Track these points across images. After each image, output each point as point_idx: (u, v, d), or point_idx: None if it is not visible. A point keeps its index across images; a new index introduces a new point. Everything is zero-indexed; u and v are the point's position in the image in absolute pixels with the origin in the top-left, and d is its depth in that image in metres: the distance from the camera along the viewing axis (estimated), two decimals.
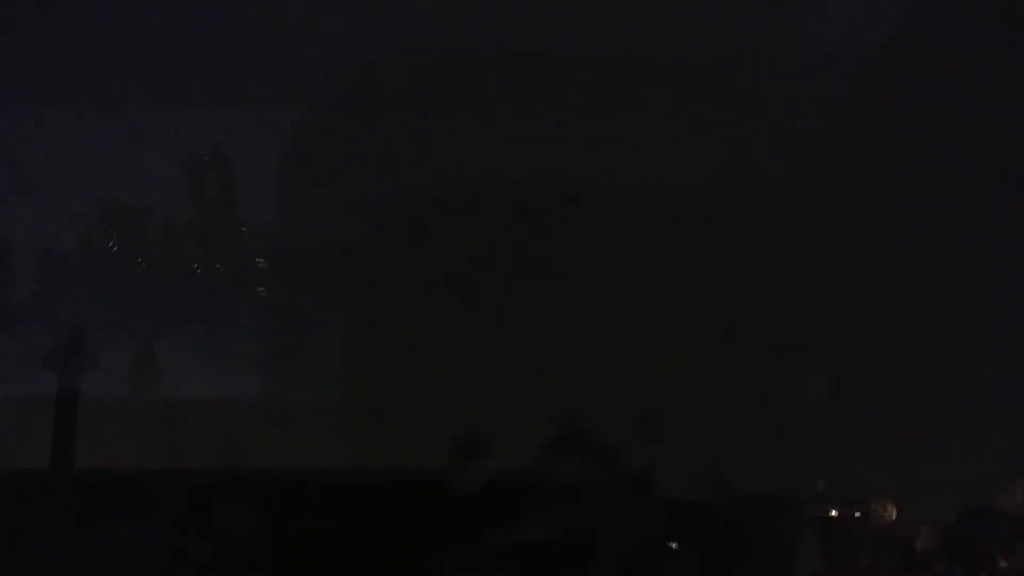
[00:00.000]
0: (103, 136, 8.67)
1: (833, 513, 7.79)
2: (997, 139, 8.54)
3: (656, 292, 8.59)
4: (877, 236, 8.54)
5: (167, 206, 8.79)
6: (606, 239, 8.73)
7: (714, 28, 8.88)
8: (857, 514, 7.77)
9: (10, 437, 8.23)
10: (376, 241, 8.85)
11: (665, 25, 8.86)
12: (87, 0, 8.80)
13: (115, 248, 8.64)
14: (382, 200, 8.93)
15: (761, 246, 8.60)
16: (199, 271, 8.75)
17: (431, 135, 8.89)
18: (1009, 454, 8.12)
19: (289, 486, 7.96)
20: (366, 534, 7.81)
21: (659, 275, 8.62)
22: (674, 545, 7.52)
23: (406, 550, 7.68)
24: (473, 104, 8.95)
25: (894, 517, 7.68)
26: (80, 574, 7.65)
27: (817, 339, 8.42)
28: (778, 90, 8.77)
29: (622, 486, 7.67)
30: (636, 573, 7.57)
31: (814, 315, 8.41)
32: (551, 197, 8.73)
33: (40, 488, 7.91)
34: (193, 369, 8.56)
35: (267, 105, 9.00)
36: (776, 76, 8.74)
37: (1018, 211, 8.41)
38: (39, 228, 8.57)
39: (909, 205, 8.56)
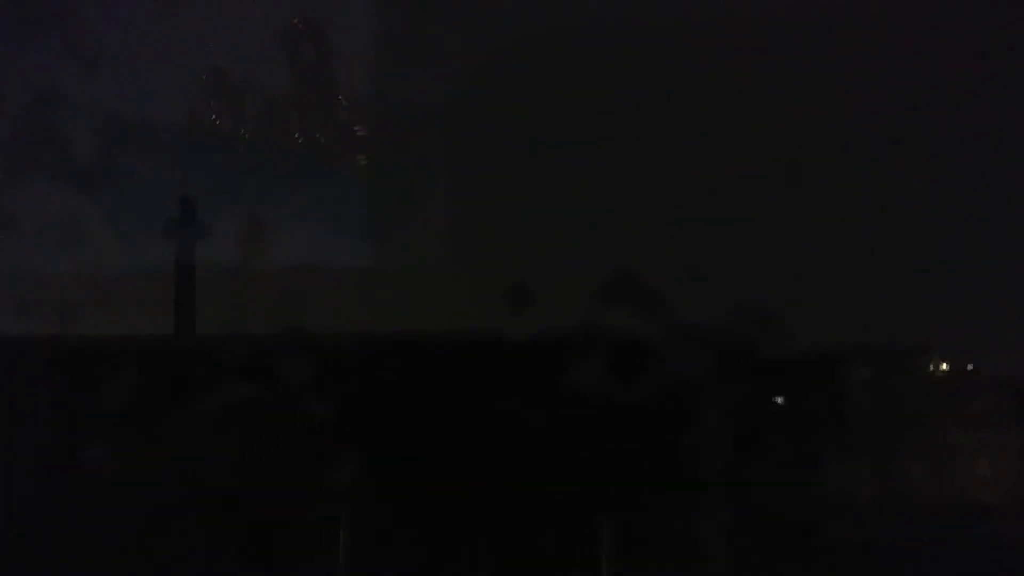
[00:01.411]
0: (202, 10, 8.74)
1: (944, 366, 7.84)
2: None
3: (717, 138, 8.57)
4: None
5: (266, 78, 8.91)
6: (665, 80, 8.70)
7: None
8: (970, 367, 7.81)
9: (131, 305, 8.51)
10: (466, 105, 8.90)
11: None
12: None
13: (218, 120, 8.79)
14: (472, 64, 8.97)
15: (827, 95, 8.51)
16: (300, 140, 8.89)
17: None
18: None
19: (395, 347, 8.13)
20: (479, 391, 8.01)
21: (720, 120, 8.58)
22: (780, 400, 7.66)
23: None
24: None
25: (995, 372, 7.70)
26: (199, 437, 7.90)
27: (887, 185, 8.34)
28: None
29: (702, 340, 7.76)
30: (728, 428, 7.68)
31: (879, 161, 8.34)
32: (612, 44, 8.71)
33: (159, 354, 8.17)
34: (298, 237, 8.76)
35: None
36: None
37: None
38: (147, 103, 8.73)
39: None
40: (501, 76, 9.10)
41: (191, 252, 8.25)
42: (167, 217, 8.27)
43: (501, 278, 8.50)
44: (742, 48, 8.62)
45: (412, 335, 8.18)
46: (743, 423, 7.60)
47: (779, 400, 7.58)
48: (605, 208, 8.70)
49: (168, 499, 7.63)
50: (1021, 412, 7.67)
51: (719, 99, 8.60)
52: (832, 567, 7.39)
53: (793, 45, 8.59)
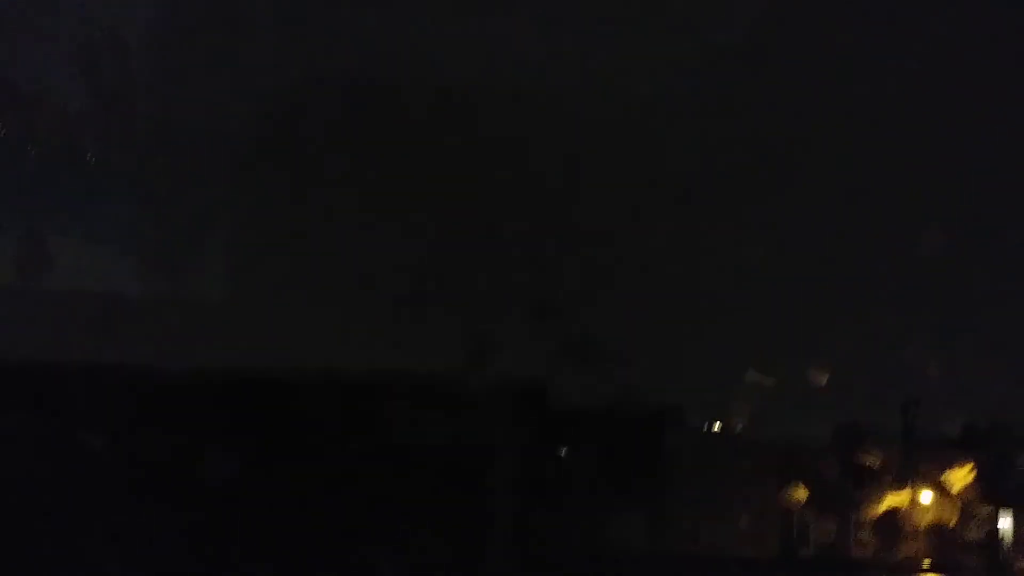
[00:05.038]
0: None
1: (716, 427, 8.21)
2: None
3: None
4: None
5: (61, 93, 8.58)
6: None
7: None
8: (739, 428, 8.17)
9: None
10: (262, 134, 8.87)
11: None
12: None
13: (4, 133, 8.42)
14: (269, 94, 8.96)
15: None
16: (92, 161, 8.60)
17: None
18: None
19: (179, 384, 8.01)
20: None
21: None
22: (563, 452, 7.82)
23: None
24: None
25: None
26: None
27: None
28: None
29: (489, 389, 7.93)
30: None
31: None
32: None
33: None
34: (83, 260, 8.47)
35: None
36: None
37: None
38: None
39: None
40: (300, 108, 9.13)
41: None
42: None
43: (292, 312, 8.44)
44: None
45: (185, 373, 8.02)
46: (529, 472, 7.83)
47: (562, 453, 7.83)
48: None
49: None
50: (780, 472, 8.19)
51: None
52: None
53: None
